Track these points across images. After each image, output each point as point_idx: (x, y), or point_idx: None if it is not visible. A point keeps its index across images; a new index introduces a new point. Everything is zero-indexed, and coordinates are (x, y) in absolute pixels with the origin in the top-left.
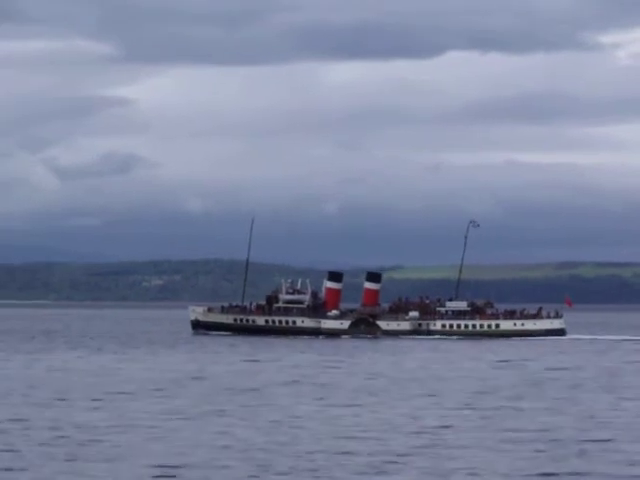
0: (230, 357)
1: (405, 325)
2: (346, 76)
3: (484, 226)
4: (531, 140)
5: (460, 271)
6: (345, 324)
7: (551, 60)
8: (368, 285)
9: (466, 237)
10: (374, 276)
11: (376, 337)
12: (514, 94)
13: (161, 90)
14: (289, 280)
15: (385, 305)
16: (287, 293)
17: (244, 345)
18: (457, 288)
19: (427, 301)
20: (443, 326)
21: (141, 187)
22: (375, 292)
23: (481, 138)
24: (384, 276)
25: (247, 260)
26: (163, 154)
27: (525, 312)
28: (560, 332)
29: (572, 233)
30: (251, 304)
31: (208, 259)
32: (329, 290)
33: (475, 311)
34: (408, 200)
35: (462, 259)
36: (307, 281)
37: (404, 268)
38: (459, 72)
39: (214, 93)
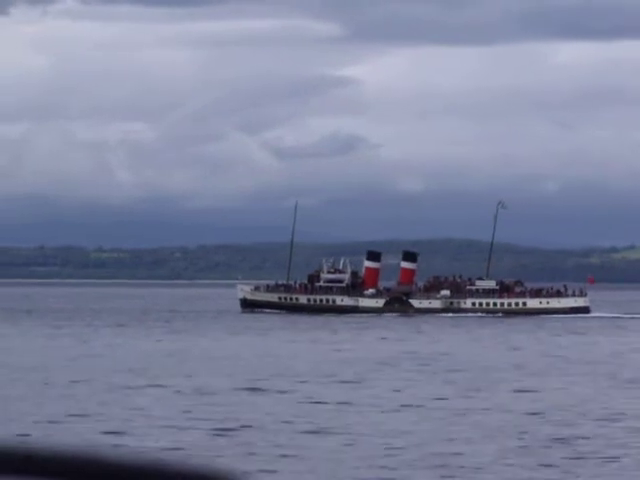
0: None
1: (436, 303)
2: (570, 56)
3: None
4: None
5: (490, 251)
6: (380, 302)
7: None
8: (404, 264)
9: (495, 217)
10: (410, 255)
11: (409, 315)
12: None
13: (387, 70)
14: (330, 260)
15: (420, 284)
16: (328, 272)
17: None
18: (488, 267)
19: (459, 280)
20: (473, 304)
21: (362, 168)
22: (411, 271)
23: None
24: (617, 256)
25: (292, 241)
26: (385, 135)
27: (551, 290)
28: (584, 310)
29: None
30: (295, 283)
31: (441, 239)
32: (368, 269)
33: (504, 289)
34: (630, 180)
35: (492, 238)
36: (347, 261)
37: (637, 248)
38: None
39: (439, 73)
